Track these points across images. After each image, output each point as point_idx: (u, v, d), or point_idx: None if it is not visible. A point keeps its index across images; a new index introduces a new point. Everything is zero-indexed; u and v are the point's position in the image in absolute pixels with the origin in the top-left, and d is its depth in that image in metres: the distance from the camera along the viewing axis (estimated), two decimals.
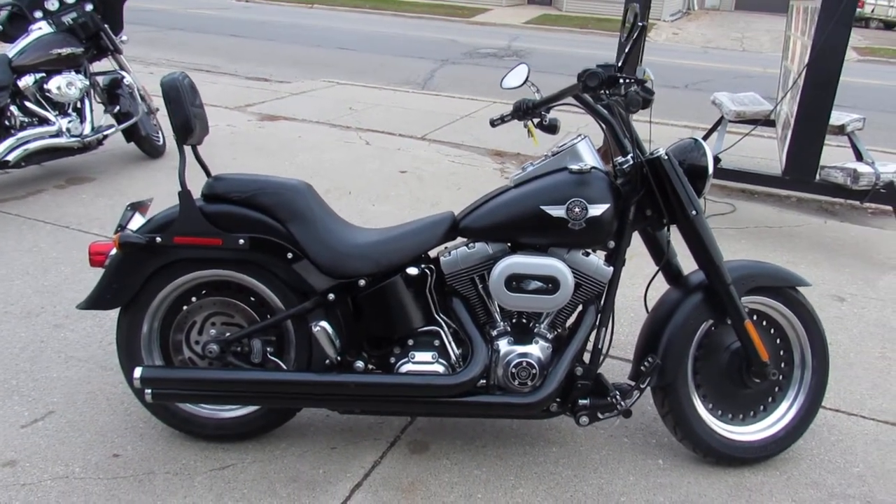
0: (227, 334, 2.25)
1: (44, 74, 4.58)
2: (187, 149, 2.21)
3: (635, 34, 2.10)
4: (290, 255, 2.17)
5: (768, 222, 4.91)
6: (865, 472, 2.42)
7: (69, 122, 4.66)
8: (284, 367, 2.26)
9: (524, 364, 2.17)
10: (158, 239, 2.13)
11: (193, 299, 2.28)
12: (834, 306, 3.66)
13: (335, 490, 2.19)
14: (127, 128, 5.04)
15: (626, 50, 2.15)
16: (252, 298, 2.28)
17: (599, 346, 2.27)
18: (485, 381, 2.22)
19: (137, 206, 2.31)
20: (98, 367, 2.73)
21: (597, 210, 2.11)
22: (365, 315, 2.20)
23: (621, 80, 2.02)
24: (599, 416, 2.25)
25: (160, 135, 5.49)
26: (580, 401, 2.25)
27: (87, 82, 4.83)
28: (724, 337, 2.37)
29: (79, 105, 4.81)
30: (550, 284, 2.13)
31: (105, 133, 4.89)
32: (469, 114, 7.59)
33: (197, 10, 16.56)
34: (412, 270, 2.18)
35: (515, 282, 2.13)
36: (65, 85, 4.63)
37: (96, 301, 2.19)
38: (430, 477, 2.28)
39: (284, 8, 19.38)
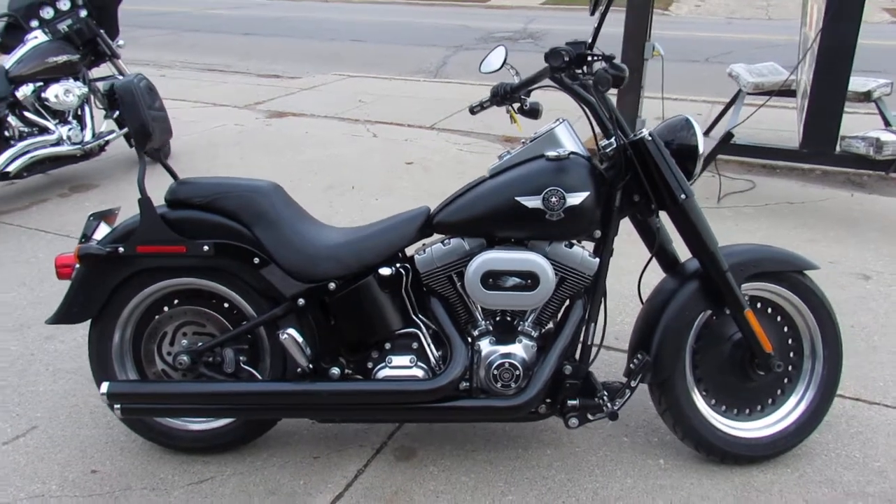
0: (200, 344, 2.17)
1: (41, 83, 4.57)
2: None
3: (602, 6, 1.94)
4: (256, 260, 2.07)
5: (790, 198, 4.68)
6: (887, 466, 2.25)
7: (69, 130, 4.64)
8: (259, 376, 2.18)
9: (507, 365, 2.05)
10: (121, 249, 2.06)
11: (166, 308, 2.20)
12: (858, 285, 3.45)
13: (314, 502, 2.10)
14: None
15: (597, 25, 2.00)
16: (226, 306, 2.20)
17: (589, 343, 2.14)
18: (468, 384, 2.11)
19: (103, 216, 2.24)
20: (85, 378, 2.69)
21: (575, 199, 1.97)
22: (338, 319, 2.10)
23: (589, 58, 1.87)
24: (590, 417, 2.12)
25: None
26: (569, 401, 2.12)
27: (86, 89, 4.81)
28: (725, 327, 2.21)
29: (79, 112, 4.79)
30: (529, 280, 2.00)
31: (106, 139, 4.87)
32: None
33: (213, 10, 16.60)
34: (385, 271, 2.07)
35: (492, 279, 2.00)
36: (62, 93, 4.61)
37: (64, 315, 2.13)
38: (414, 486, 2.17)
39: (300, 3, 19.35)
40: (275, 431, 2.37)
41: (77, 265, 2.12)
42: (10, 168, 4.32)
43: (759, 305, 2.24)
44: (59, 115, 4.67)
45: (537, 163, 2.03)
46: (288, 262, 2.06)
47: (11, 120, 4.41)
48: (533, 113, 2.24)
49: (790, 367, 2.28)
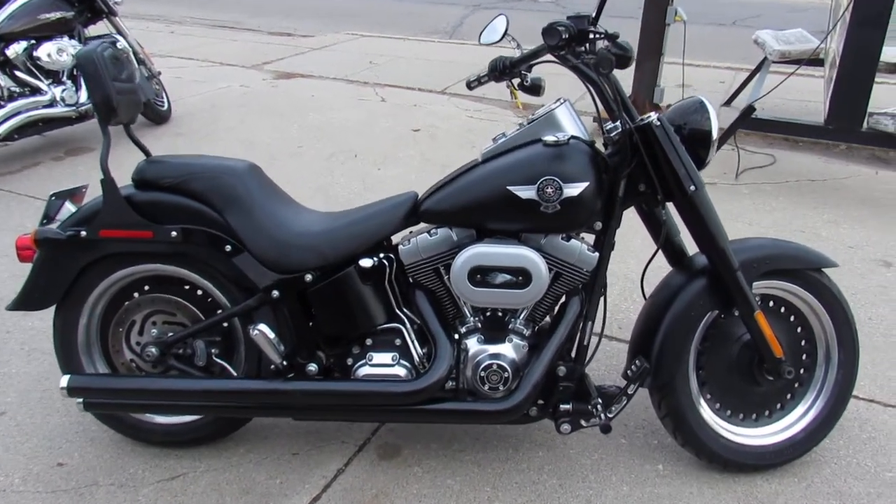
0: (170, 335, 2.04)
1: (34, 41, 4.41)
2: (117, 129, 1.98)
3: None
4: (228, 248, 1.93)
5: (812, 174, 4.45)
6: None
7: (63, 90, 4.49)
8: (232, 370, 2.05)
9: (495, 367, 1.91)
10: (83, 233, 1.92)
11: (136, 295, 2.07)
12: (878, 273, 3.26)
13: None
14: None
15: None
16: (199, 293, 2.06)
17: (585, 342, 1.98)
18: (454, 384, 1.97)
19: (70, 194, 2.10)
20: None
21: (573, 189, 1.79)
22: (315, 313, 1.96)
23: (591, 35, 1.68)
24: (583, 423, 1.97)
25: (164, 99, 5.29)
26: (562, 405, 1.97)
27: (81, 48, 4.63)
28: (733, 327, 2.05)
29: (74, 73, 4.63)
30: (521, 277, 1.84)
31: None
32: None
33: None
34: (366, 262, 1.91)
35: (480, 275, 1.85)
36: (55, 52, 4.45)
37: (25, 301, 2.00)
38: (396, 488, 2.05)
39: None
40: (254, 425, 2.25)
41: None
42: (0, 130, 4.19)
43: (770, 304, 2.07)
44: (53, 76, 4.52)
45: (533, 148, 1.85)
46: (261, 250, 1.91)
47: (1, 80, 4.26)
48: (534, 89, 2.05)
49: (802, 371, 2.11)
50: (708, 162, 1.95)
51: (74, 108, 4.52)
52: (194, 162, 1.98)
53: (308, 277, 1.92)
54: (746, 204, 4.00)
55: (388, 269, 1.96)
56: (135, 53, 4.90)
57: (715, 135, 1.91)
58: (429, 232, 1.92)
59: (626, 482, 2.08)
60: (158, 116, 5.15)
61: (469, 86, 2.11)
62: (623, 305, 2.92)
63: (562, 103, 1.93)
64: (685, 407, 2.02)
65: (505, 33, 1.97)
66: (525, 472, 2.11)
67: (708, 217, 1.89)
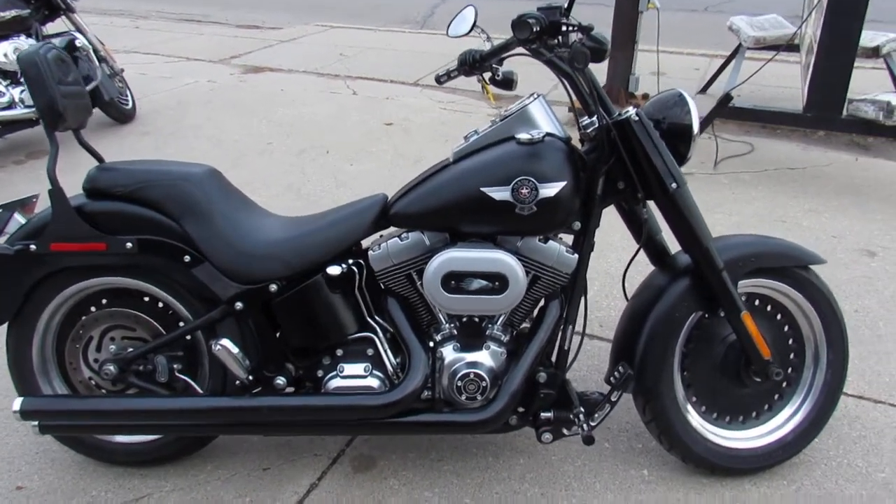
0: (130, 350, 1.93)
1: None
2: (65, 135, 1.86)
3: None
4: (187, 258, 1.82)
5: (790, 162, 4.41)
6: (893, 477, 2.05)
7: (22, 91, 4.33)
8: (196, 386, 1.94)
9: (472, 376, 1.82)
10: (33, 247, 1.80)
11: (93, 309, 1.96)
12: (862, 263, 3.22)
13: None
14: (89, 93, 4.67)
15: None
16: (160, 306, 1.96)
17: (566, 347, 1.91)
18: (430, 394, 1.88)
19: (19, 205, 1.97)
20: None
21: (550, 190, 1.71)
22: (282, 324, 1.86)
23: (564, 28, 1.59)
24: (565, 432, 1.90)
25: (128, 97, 5.13)
26: (542, 413, 1.90)
27: (23, 50, 4.45)
28: (718, 327, 1.98)
29: None
30: (497, 282, 1.75)
31: None
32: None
33: None
34: (334, 270, 1.81)
35: (454, 281, 1.76)
36: (12, 51, 4.29)
37: None
38: (372, 501, 1.97)
39: None
40: (222, 440, 2.15)
41: None
42: None
43: (756, 303, 2.01)
44: (11, 76, 4.34)
45: (507, 147, 1.76)
46: (222, 260, 1.81)
47: None
48: (507, 83, 1.96)
49: (790, 370, 2.06)
50: (689, 157, 1.87)
51: (33, 109, 4.34)
52: (149, 168, 1.87)
53: (273, 287, 1.82)
54: (726, 194, 3.95)
55: (357, 276, 1.86)
56: (95, 51, 4.74)
57: (696, 129, 1.83)
58: (399, 236, 1.83)
59: (610, 489, 2.01)
60: (123, 115, 4.99)
61: (438, 80, 2.02)
62: (604, 303, 2.85)
63: (535, 98, 1.84)
64: (670, 411, 1.95)
65: (474, 25, 1.87)
66: (506, 482, 2.04)
67: (691, 215, 1.82)
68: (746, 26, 5.05)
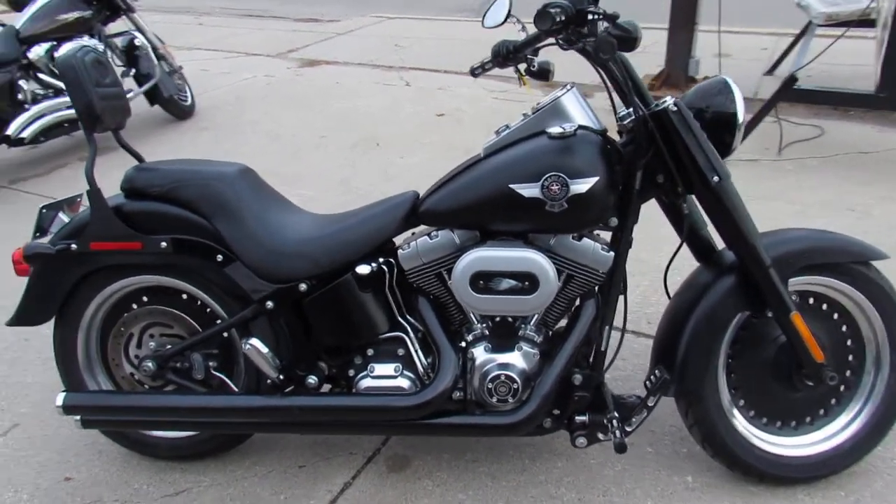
0: (169, 347, 1.96)
1: (55, 43, 4.39)
2: (105, 136, 1.90)
3: None
4: (219, 258, 1.83)
5: (863, 146, 4.15)
6: None
7: None
8: (231, 383, 1.96)
9: (503, 378, 1.78)
10: (74, 246, 1.85)
11: (135, 306, 2.00)
12: None
13: None
14: (148, 91, 4.81)
15: None
16: (198, 304, 1.98)
17: (603, 349, 1.84)
18: (462, 394, 1.85)
19: (64, 205, 2.03)
20: None
21: (581, 186, 1.64)
22: (312, 324, 1.85)
23: (590, 16, 1.52)
24: (600, 437, 1.83)
25: (188, 94, 5.26)
26: (577, 417, 1.84)
27: (101, 47, 4.60)
28: (767, 327, 1.87)
29: None
30: (527, 283, 1.70)
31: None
32: None
33: None
34: (363, 269, 1.79)
35: (483, 281, 1.71)
36: None
37: (23, 316, 1.95)
38: (404, 502, 1.95)
39: None
40: (260, 436, 2.17)
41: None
42: (25, 134, 4.20)
43: (811, 301, 1.89)
44: None
45: (537, 142, 1.70)
46: (252, 259, 1.81)
47: (24, 83, 4.26)
48: (543, 74, 1.88)
49: (848, 373, 1.93)
50: (734, 148, 1.76)
51: None
52: (183, 168, 1.89)
53: (303, 287, 1.82)
54: (790, 181, 3.75)
55: (388, 275, 1.84)
56: (154, 49, 4.86)
57: (741, 118, 1.73)
58: (429, 234, 1.80)
59: (651, 496, 1.94)
60: (182, 112, 5.12)
61: (473, 73, 1.95)
62: (653, 298, 2.75)
63: (569, 89, 1.77)
64: (714, 416, 1.86)
65: (508, 15, 1.80)
66: (542, 485, 1.98)
67: (734, 210, 1.72)
68: (816, 2, 4.76)
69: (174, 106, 5.03)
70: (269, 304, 1.83)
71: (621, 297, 1.84)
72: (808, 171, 3.86)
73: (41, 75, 4.36)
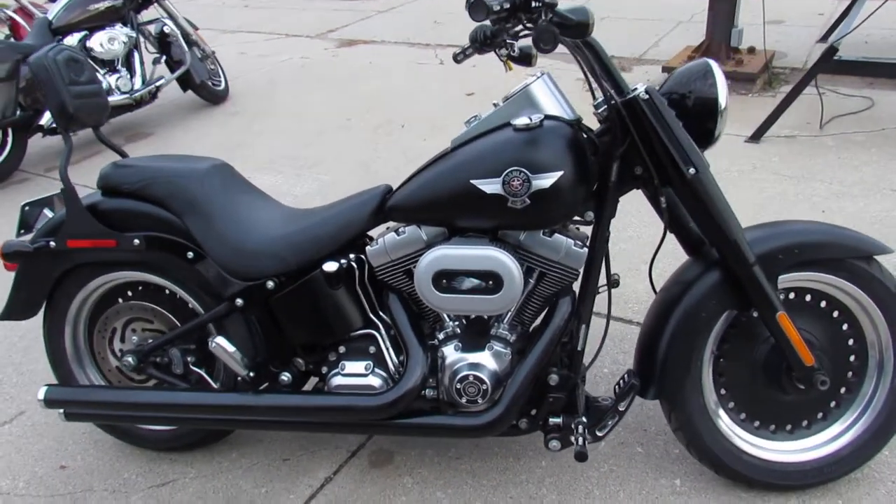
0: (150, 341, 1.99)
1: (87, 32, 4.49)
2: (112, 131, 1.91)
3: None
4: (190, 255, 1.83)
5: None
6: None
7: (118, 79, 4.57)
8: (209, 378, 1.97)
9: (471, 378, 1.72)
10: (52, 244, 1.88)
11: (120, 300, 2.03)
12: None
13: None
14: (181, 77, 4.88)
15: None
16: (179, 299, 1.99)
17: (580, 348, 1.76)
18: (434, 393, 1.80)
19: (47, 202, 2.06)
20: None
21: (544, 181, 1.56)
22: (282, 321, 1.84)
23: (534, 3, 1.42)
24: (573, 440, 1.75)
25: (221, 78, 5.31)
26: (551, 419, 1.77)
27: (133, 34, 4.69)
28: (758, 325, 1.75)
29: (129, 59, 4.70)
30: (490, 282, 1.63)
31: (157, 85, 4.76)
32: None
33: None
34: (330, 266, 1.75)
35: (446, 280, 1.65)
36: (107, 41, 4.52)
37: (10, 311, 2.00)
38: (382, 499, 1.93)
39: None
40: None
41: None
42: None
43: (808, 298, 1.76)
44: (108, 65, 4.60)
45: (501, 134, 1.63)
46: (220, 256, 1.80)
47: None
48: (525, 59, 1.80)
49: (850, 374, 1.80)
50: (718, 136, 1.65)
51: (129, 95, 4.59)
52: (156, 166, 1.89)
53: (270, 284, 1.80)
54: (830, 158, 3.52)
55: (357, 272, 1.80)
56: (186, 35, 4.91)
57: (723, 104, 1.61)
58: (396, 230, 1.75)
59: (634, 499, 1.86)
60: (215, 97, 5.18)
61: (456, 59, 1.88)
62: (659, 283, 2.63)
63: (539, 77, 1.69)
64: (698, 420, 1.77)
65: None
66: (523, 485, 1.93)
67: (713, 204, 1.60)
68: None
69: (207, 91, 5.09)
70: (239, 301, 1.82)
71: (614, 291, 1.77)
72: (851, 148, 3.62)
73: None
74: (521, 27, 1.55)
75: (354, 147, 4.30)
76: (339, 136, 4.50)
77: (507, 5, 1.46)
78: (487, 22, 1.68)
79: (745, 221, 1.67)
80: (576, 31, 1.43)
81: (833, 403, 1.82)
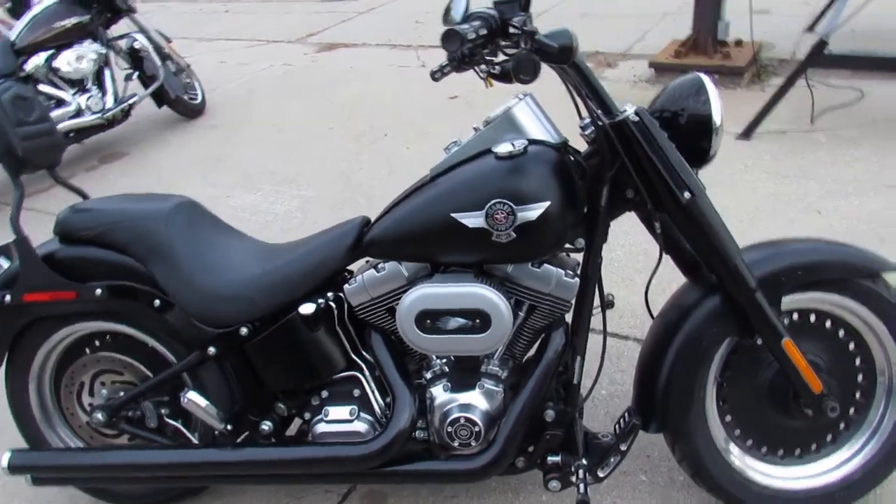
0: (121, 394, 1.87)
1: (53, 51, 4.34)
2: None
3: None
4: (157, 303, 1.72)
5: None
6: None
7: (88, 98, 4.43)
8: (186, 430, 1.86)
9: (462, 421, 1.62)
10: (7, 298, 1.75)
11: (87, 351, 1.91)
12: None
13: None
14: (155, 92, 4.74)
15: None
16: (150, 349, 1.87)
17: (575, 382, 1.66)
18: (425, 435, 1.70)
19: (2, 251, 1.94)
20: None
21: (530, 213, 1.45)
22: (258, 369, 1.73)
23: (511, 30, 1.32)
24: (573, 480, 1.66)
25: (197, 91, 5.17)
26: (549, 457, 1.67)
27: (103, 51, 4.54)
28: (761, 350, 1.65)
29: (99, 77, 4.56)
30: (477, 320, 1.53)
31: (130, 102, 4.63)
32: (548, 8, 6.58)
33: None
34: (307, 308, 1.64)
35: (430, 320, 1.55)
36: (75, 59, 4.38)
37: None
38: None
39: None
40: None
41: None
42: None
43: (813, 319, 1.67)
44: (78, 84, 4.46)
45: (482, 163, 1.52)
46: (188, 304, 1.69)
47: None
48: (507, 76, 1.68)
49: (858, 395, 1.71)
50: (713, 155, 1.55)
51: (101, 114, 4.45)
52: (115, 209, 1.78)
53: (244, 331, 1.69)
54: (821, 155, 3.43)
55: (336, 311, 1.69)
56: (158, 49, 4.76)
57: (717, 121, 1.51)
58: (375, 267, 1.64)
59: None
60: (191, 110, 5.05)
61: (433, 77, 1.77)
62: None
63: (521, 99, 1.58)
64: (703, 451, 1.67)
65: (466, 11, 1.60)
66: None
67: (710, 229, 1.50)
68: None
69: (182, 105, 4.96)
70: (212, 349, 1.72)
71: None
72: (843, 143, 3.52)
73: (41, 86, 4.31)
74: (499, 55, 1.44)
75: (336, 157, 4.19)
76: (320, 145, 4.39)
77: (483, 32, 1.35)
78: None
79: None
80: (559, 58, 1.32)
81: (842, 426, 1.73)
